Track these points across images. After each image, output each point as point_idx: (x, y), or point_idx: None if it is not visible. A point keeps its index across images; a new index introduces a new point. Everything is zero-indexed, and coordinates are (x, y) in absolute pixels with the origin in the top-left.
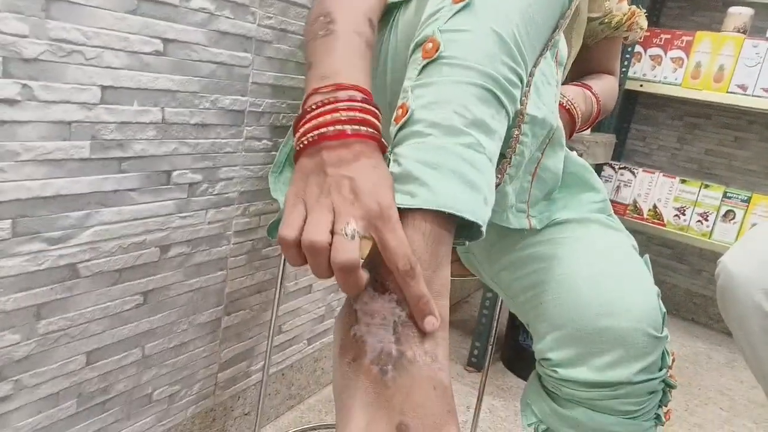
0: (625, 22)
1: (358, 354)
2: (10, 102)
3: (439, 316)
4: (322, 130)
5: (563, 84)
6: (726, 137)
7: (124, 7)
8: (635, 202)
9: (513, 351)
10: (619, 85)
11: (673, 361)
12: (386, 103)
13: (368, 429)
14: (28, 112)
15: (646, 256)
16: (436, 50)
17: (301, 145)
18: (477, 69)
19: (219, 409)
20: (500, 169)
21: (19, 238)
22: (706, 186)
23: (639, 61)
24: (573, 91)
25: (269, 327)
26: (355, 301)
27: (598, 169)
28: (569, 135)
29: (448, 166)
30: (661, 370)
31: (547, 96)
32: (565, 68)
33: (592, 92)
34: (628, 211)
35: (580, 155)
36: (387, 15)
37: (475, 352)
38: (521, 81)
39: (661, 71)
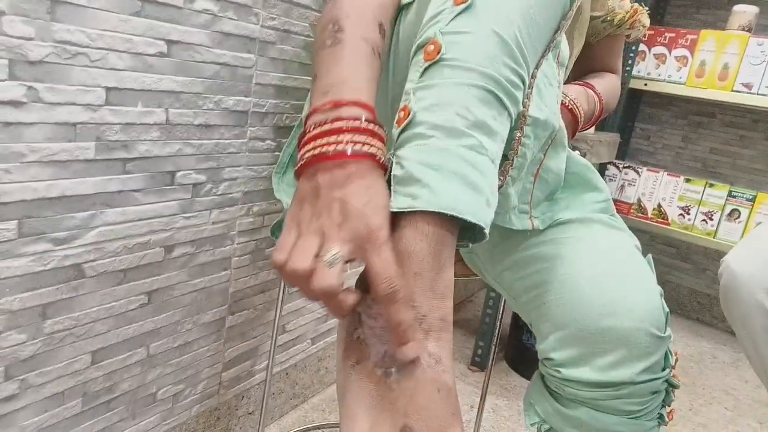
0: (627, 20)
1: (362, 357)
2: (15, 104)
3: (421, 342)
4: (317, 151)
5: (565, 83)
6: (731, 136)
7: (128, 9)
8: (639, 201)
9: (516, 350)
10: (624, 84)
11: (676, 360)
12: (388, 104)
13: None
14: (34, 113)
15: (649, 255)
16: (438, 52)
17: (300, 164)
18: (479, 71)
19: (223, 409)
20: (502, 171)
21: (25, 239)
22: (711, 185)
23: (643, 59)
24: (575, 91)
25: (273, 326)
26: (359, 303)
27: (602, 168)
28: (572, 134)
29: (450, 167)
30: (664, 370)
31: (549, 97)
32: (566, 67)
33: (594, 91)
34: (632, 211)
35: (584, 154)
36: None
37: (479, 351)
38: (523, 82)
39: (666, 70)
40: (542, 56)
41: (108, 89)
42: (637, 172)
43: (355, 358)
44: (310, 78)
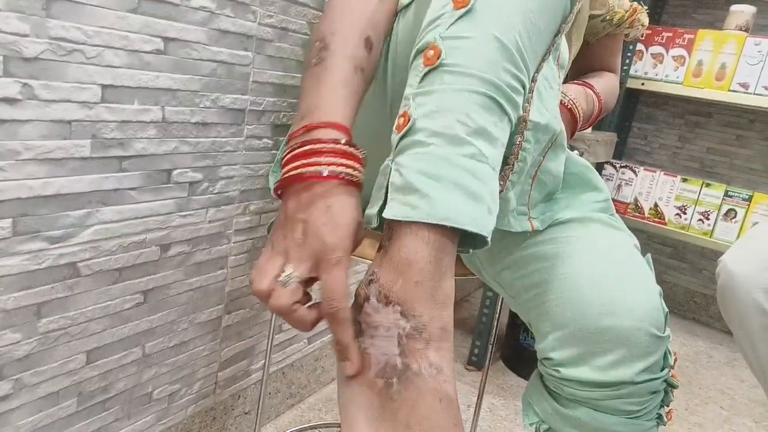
0: (627, 19)
1: (363, 367)
2: (10, 101)
3: (358, 363)
4: (287, 175)
5: (564, 82)
6: (727, 136)
7: (124, 5)
8: (636, 200)
9: (513, 350)
10: (621, 84)
11: (675, 360)
12: (387, 108)
13: None
14: (29, 111)
15: (648, 255)
16: (438, 57)
17: (279, 189)
18: (479, 76)
19: (219, 408)
20: (502, 176)
21: (20, 237)
22: (708, 185)
23: (641, 59)
24: (574, 90)
25: (269, 326)
26: (359, 313)
27: (599, 167)
28: (571, 134)
29: (450, 177)
30: (663, 369)
31: (550, 101)
32: (565, 69)
33: (593, 91)
34: (629, 210)
35: (581, 154)
36: None
37: (476, 351)
38: (524, 87)
39: (663, 69)
40: (543, 60)
41: (104, 87)
42: (634, 172)
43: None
44: None
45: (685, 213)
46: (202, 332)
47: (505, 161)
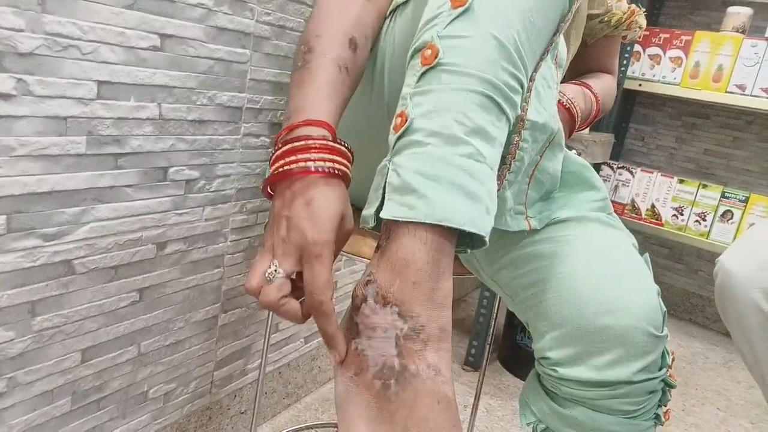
0: (624, 21)
1: (360, 368)
2: (5, 97)
3: (344, 352)
4: (274, 173)
5: (561, 83)
6: (724, 137)
7: (121, 1)
8: (633, 201)
9: (510, 350)
10: (618, 85)
11: (673, 360)
12: (384, 107)
13: None
14: (24, 107)
15: (646, 254)
16: (435, 57)
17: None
18: (477, 76)
19: (215, 408)
20: (500, 175)
21: (14, 234)
22: (704, 186)
23: (638, 60)
24: (572, 90)
25: (266, 325)
26: (357, 313)
27: (597, 168)
28: (569, 134)
29: (448, 177)
30: (661, 369)
31: (548, 100)
32: (563, 68)
33: (591, 91)
34: (626, 211)
35: (579, 155)
36: None
37: (473, 351)
38: (522, 86)
39: (660, 71)
40: (541, 59)
41: (100, 83)
42: (631, 173)
43: (354, 369)
44: None
45: (681, 214)
46: (198, 331)
47: (503, 160)
